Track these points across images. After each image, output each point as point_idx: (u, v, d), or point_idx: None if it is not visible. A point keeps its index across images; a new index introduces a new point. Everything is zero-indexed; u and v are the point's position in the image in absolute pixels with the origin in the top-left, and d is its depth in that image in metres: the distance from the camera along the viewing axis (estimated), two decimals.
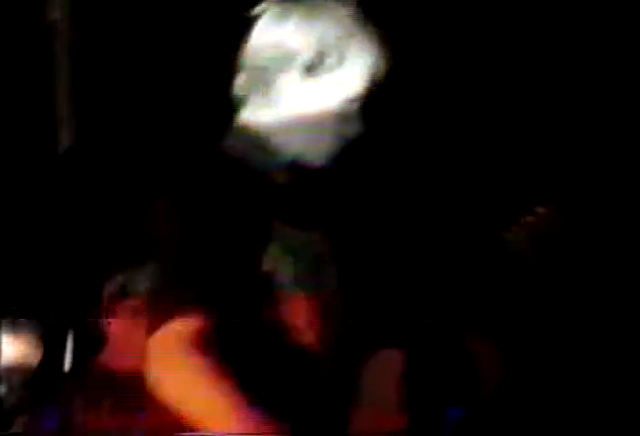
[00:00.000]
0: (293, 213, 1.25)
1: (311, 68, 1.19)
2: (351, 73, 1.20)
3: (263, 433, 1.18)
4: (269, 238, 1.27)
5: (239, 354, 1.25)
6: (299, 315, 1.24)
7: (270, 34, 1.19)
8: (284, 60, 1.18)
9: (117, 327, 1.34)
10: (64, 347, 1.41)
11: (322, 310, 1.30)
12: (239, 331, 1.21)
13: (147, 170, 1.46)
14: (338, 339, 1.31)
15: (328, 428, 1.24)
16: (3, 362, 1.44)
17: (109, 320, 1.32)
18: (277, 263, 1.27)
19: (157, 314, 1.26)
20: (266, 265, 1.25)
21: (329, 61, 1.18)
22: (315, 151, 1.22)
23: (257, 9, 1.21)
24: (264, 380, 1.22)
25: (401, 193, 1.59)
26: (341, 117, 1.22)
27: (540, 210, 1.90)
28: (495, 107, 1.81)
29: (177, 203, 1.31)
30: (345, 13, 1.20)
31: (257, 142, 1.20)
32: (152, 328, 1.23)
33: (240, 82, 1.21)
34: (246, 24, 1.27)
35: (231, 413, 1.17)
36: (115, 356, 1.33)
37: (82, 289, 1.47)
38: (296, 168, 1.24)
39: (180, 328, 1.23)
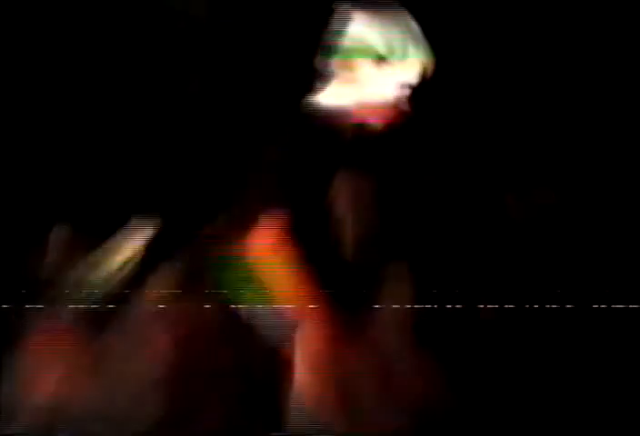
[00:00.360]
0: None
1: (380, 61, 1.67)
2: (408, 67, 1.68)
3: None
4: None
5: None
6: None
7: (359, 32, 1.66)
8: (364, 51, 1.66)
9: None
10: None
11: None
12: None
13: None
14: None
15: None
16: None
17: None
18: None
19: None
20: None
21: (394, 56, 1.66)
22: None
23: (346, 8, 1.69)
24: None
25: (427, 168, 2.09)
26: (398, 99, 1.73)
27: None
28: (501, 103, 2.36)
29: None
30: (408, 23, 1.68)
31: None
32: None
33: (333, 62, 1.69)
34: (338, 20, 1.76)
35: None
36: None
37: None
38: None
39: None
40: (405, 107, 1.70)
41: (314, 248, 1.66)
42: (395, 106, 1.70)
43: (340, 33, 1.74)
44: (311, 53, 1.74)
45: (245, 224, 1.66)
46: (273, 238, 1.65)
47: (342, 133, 1.70)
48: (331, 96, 1.73)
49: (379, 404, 1.74)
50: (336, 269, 1.73)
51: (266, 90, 1.99)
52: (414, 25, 1.72)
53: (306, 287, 1.65)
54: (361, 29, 1.69)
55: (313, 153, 1.62)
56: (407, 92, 1.71)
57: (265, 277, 1.66)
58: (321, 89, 1.76)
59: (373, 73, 1.67)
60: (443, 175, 2.26)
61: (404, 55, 1.67)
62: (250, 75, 2.02)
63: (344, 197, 1.64)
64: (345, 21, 1.74)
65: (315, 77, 1.74)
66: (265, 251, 1.67)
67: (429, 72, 1.71)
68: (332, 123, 1.69)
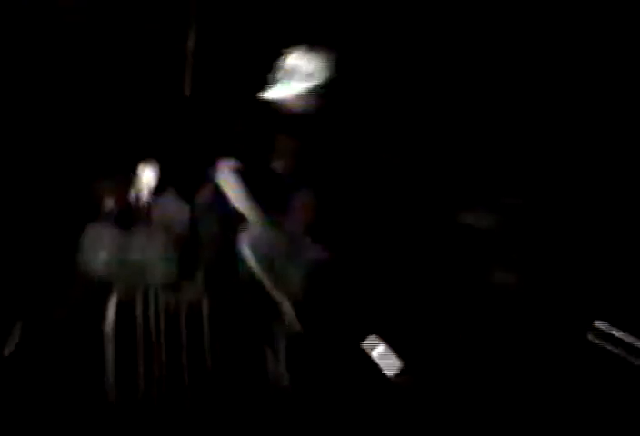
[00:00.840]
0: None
1: (306, 77, 2.93)
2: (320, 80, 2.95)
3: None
4: None
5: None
6: None
7: (294, 61, 2.92)
8: (296, 71, 2.92)
9: None
10: None
11: None
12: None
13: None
14: None
15: None
16: None
17: None
18: None
19: None
20: None
21: (313, 76, 2.93)
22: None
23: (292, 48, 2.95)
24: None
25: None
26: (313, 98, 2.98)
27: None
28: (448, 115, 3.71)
29: None
30: (324, 60, 2.94)
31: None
32: None
33: (280, 74, 2.94)
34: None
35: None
36: None
37: None
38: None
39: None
40: (319, 102, 2.97)
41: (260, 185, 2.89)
42: (312, 101, 2.97)
43: (285, 61, 2.98)
44: (267, 69, 2.98)
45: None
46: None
47: (281, 114, 2.97)
48: (276, 93, 3.01)
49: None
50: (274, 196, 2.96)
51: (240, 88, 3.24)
52: (324, 55, 2.98)
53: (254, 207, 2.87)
54: (295, 60, 2.98)
55: (264, 125, 2.87)
56: (319, 93, 2.99)
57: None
58: (270, 88, 3.03)
59: (300, 81, 2.97)
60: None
61: (318, 72, 2.94)
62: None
63: (280, 153, 2.89)
64: (288, 55, 3.00)
65: (267, 82, 2.98)
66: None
67: (331, 82, 2.99)
68: (276, 108, 2.95)
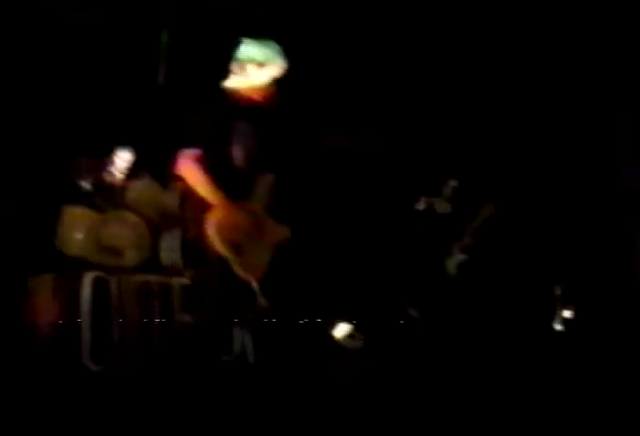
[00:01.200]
0: None
1: (259, 65, 3.13)
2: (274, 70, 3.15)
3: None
4: None
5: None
6: None
7: (249, 49, 3.12)
8: (250, 59, 3.12)
9: None
10: None
11: None
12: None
13: None
14: None
15: None
16: None
17: None
18: None
19: None
20: None
21: (266, 64, 3.14)
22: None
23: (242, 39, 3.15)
24: None
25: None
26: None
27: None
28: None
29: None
30: (274, 45, 3.14)
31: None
32: None
33: (234, 64, 3.14)
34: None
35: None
36: None
37: None
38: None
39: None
40: (274, 90, 3.15)
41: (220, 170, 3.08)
42: (267, 90, 3.16)
43: (240, 50, 3.16)
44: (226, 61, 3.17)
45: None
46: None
47: (239, 102, 3.15)
48: (233, 82, 3.19)
49: None
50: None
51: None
52: (277, 46, 3.14)
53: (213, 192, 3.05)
54: (250, 48, 3.17)
55: (223, 112, 3.06)
56: (274, 82, 3.16)
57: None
58: (229, 78, 3.20)
59: (255, 71, 3.17)
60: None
61: (272, 62, 3.12)
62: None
63: (237, 139, 3.09)
64: (243, 44, 3.16)
65: (226, 72, 3.17)
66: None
67: (286, 71, 3.17)
68: (234, 96, 3.14)
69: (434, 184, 5.64)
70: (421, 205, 5.47)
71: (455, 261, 5.43)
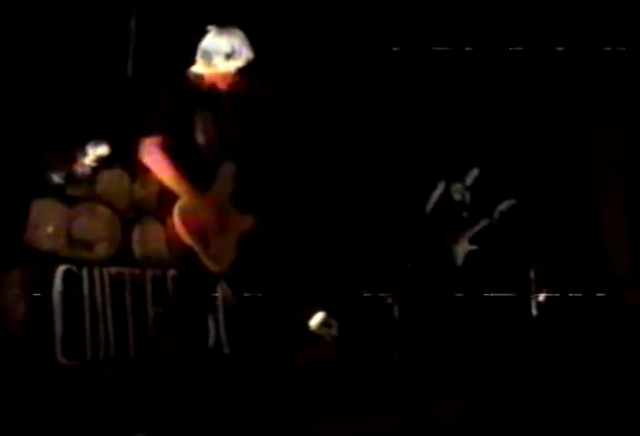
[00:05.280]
0: None
1: (227, 56, 3.09)
2: (240, 61, 3.11)
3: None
4: None
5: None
6: None
7: (213, 40, 3.08)
8: (217, 51, 3.08)
9: None
10: None
11: None
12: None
13: None
14: None
15: None
16: None
17: None
18: None
19: None
20: None
21: (234, 55, 3.09)
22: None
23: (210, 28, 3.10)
24: None
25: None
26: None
27: None
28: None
29: None
30: (241, 36, 3.10)
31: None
32: None
33: (199, 55, 3.11)
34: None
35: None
36: None
37: None
38: None
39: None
40: (239, 80, 3.13)
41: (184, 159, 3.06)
42: (232, 79, 3.13)
43: (206, 39, 3.11)
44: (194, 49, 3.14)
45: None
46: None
47: (202, 90, 3.12)
48: (199, 69, 3.16)
49: None
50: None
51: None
52: (244, 36, 3.11)
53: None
54: (217, 38, 3.13)
55: (185, 99, 3.04)
56: (239, 72, 3.13)
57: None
58: (195, 67, 3.17)
59: (221, 61, 3.13)
60: None
61: (239, 52, 3.09)
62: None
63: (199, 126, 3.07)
64: (210, 33, 3.12)
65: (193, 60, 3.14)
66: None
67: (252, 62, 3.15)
68: (198, 84, 3.12)
69: (456, 171, 5.72)
70: (438, 190, 5.50)
71: (463, 250, 5.47)
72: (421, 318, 5.09)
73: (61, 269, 4.26)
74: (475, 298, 5.41)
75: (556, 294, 5.72)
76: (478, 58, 6.11)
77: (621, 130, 6.78)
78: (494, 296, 5.50)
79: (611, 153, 6.81)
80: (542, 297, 5.73)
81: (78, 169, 4.72)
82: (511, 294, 5.56)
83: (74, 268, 4.31)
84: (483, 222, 5.59)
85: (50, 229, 4.37)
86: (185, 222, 2.95)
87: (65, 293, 4.20)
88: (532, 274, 5.74)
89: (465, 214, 5.67)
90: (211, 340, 4.52)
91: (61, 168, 4.58)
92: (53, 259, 4.34)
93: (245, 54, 3.14)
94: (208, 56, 3.13)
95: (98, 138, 4.80)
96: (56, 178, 4.58)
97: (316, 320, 4.96)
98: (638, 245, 6.51)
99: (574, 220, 6.52)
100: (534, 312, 5.63)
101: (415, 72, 6.23)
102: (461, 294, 5.36)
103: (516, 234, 5.99)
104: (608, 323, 5.44)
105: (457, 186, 5.75)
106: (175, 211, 2.96)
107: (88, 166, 4.76)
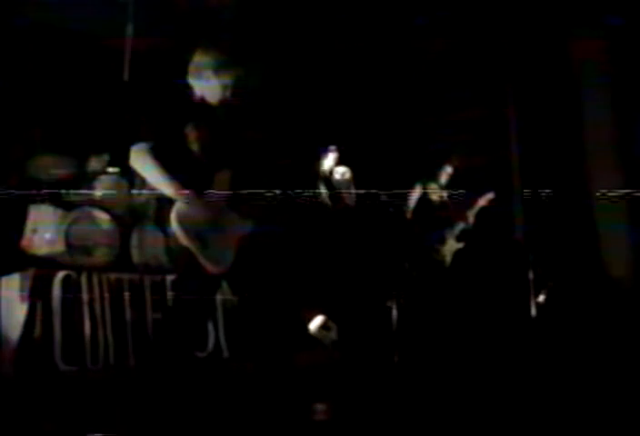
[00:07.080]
0: None
1: (215, 71, 3.12)
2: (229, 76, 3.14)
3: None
4: None
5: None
6: None
7: (202, 55, 3.14)
8: (206, 65, 3.14)
9: None
10: None
11: None
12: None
13: None
14: None
15: None
16: None
17: None
18: None
19: None
20: None
21: (221, 71, 3.13)
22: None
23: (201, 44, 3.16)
24: None
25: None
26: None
27: None
28: None
29: None
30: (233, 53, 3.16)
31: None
32: None
33: (191, 67, 3.15)
34: None
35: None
36: None
37: None
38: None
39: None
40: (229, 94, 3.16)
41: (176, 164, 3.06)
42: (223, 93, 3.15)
43: (196, 54, 3.16)
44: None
45: None
46: None
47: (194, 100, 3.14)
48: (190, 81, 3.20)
49: None
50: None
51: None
52: (234, 52, 3.14)
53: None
54: (207, 53, 3.19)
55: (178, 107, 3.06)
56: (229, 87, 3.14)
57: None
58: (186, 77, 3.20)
59: (211, 76, 3.19)
60: None
61: (227, 68, 3.11)
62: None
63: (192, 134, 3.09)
64: (200, 48, 3.15)
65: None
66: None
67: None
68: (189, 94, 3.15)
69: (429, 171, 5.69)
70: (415, 192, 5.49)
71: (449, 249, 5.46)
72: (420, 320, 5.08)
73: (60, 275, 4.25)
74: (474, 298, 5.40)
75: (556, 294, 5.71)
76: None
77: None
78: (493, 296, 5.48)
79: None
80: (541, 297, 5.71)
81: (77, 173, 4.71)
82: (511, 294, 5.55)
83: (73, 274, 4.30)
84: (462, 225, 5.56)
85: (48, 235, 4.34)
86: (182, 224, 2.98)
87: (64, 299, 4.19)
88: (531, 274, 5.72)
89: (445, 213, 5.64)
90: (210, 344, 4.51)
91: (59, 173, 4.56)
92: (51, 264, 4.32)
93: (234, 70, 3.19)
94: (198, 69, 3.18)
95: (96, 143, 4.79)
96: (55, 183, 4.57)
97: (316, 323, 4.96)
98: (638, 245, 6.48)
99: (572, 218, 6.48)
100: (533, 312, 5.62)
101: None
102: (460, 294, 5.34)
103: (513, 233, 5.98)
104: (607, 323, 5.42)
105: (433, 186, 5.72)
106: (172, 214, 2.98)
107: (87, 171, 4.75)
